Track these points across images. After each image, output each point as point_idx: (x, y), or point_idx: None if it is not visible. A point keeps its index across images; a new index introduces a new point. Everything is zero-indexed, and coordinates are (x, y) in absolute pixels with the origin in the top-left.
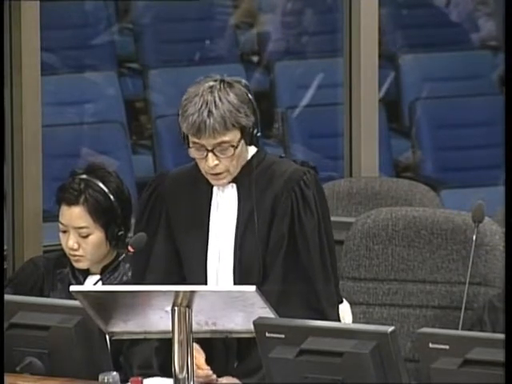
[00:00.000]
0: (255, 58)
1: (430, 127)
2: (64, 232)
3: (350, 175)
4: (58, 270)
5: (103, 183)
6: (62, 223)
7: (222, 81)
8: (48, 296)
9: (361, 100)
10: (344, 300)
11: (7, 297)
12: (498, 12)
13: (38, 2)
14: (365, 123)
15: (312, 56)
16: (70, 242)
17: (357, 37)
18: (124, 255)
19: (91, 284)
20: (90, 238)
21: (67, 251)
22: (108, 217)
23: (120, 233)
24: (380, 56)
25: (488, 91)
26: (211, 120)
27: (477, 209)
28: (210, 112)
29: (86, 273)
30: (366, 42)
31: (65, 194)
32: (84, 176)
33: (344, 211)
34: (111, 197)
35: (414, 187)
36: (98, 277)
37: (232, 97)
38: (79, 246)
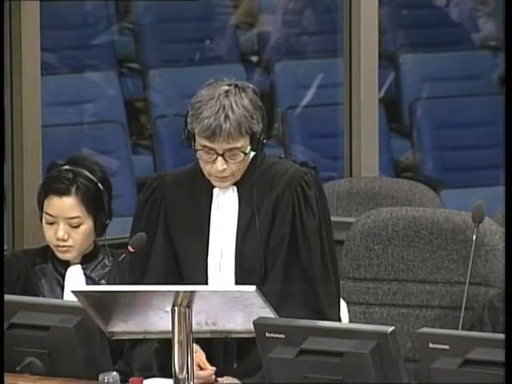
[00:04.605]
0: (255, 58)
1: (430, 127)
2: (51, 224)
3: (350, 175)
4: (38, 265)
5: (90, 172)
6: (50, 214)
7: (236, 85)
8: (37, 286)
9: (361, 100)
10: (340, 299)
11: (7, 297)
12: (498, 12)
13: (38, 2)
14: (365, 123)
15: (312, 56)
16: (59, 232)
17: (357, 37)
18: (124, 255)
19: (73, 274)
20: (81, 227)
21: (54, 243)
22: (98, 205)
23: (107, 221)
24: (380, 56)
25: (488, 91)
26: (227, 124)
27: (477, 209)
28: (226, 116)
29: (67, 264)
30: (366, 42)
31: (55, 185)
32: (70, 167)
33: (344, 211)
34: (100, 185)
35: (414, 187)
36: (78, 267)
37: (246, 102)
38: (69, 236)
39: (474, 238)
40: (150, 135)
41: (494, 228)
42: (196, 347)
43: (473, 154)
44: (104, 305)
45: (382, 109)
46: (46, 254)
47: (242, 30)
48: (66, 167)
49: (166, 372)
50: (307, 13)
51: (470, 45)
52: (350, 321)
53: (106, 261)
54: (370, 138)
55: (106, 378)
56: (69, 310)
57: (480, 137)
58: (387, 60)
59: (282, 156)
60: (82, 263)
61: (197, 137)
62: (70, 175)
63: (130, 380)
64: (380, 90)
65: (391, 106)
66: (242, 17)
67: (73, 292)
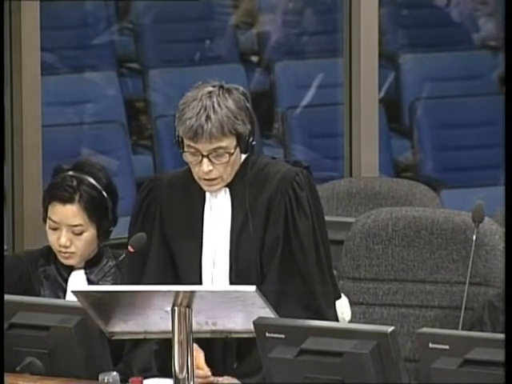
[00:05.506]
0: (255, 58)
1: (430, 127)
2: (54, 229)
3: (350, 175)
4: (41, 268)
5: (94, 179)
6: (53, 221)
7: (221, 87)
8: (38, 289)
9: (361, 100)
10: (342, 295)
11: (7, 297)
12: (498, 12)
13: (38, 2)
14: (365, 123)
15: (312, 56)
16: (62, 239)
17: (357, 37)
18: (124, 255)
19: (76, 279)
20: (84, 235)
21: (57, 248)
22: (101, 213)
23: (111, 228)
24: (380, 56)
25: (488, 91)
26: (209, 125)
27: (477, 209)
28: (207, 117)
29: (70, 268)
30: (366, 42)
31: (58, 192)
32: (75, 173)
33: (344, 211)
34: (104, 193)
35: (414, 187)
36: (81, 271)
37: (230, 103)
38: (71, 243)
39: (474, 238)
40: (150, 135)
41: (494, 228)
42: (194, 346)
43: (473, 154)
44: (104, 305)
45: (382, 109)
46: (49, 255)
47: (242, 30)
48: (71, 173)
49: (166, 373)
50: (307, 13)
51: (470, 45)
52: (350, 321)
53: (110, 264)
54: (370, 138)
55: (105, 378)
56: (69, 310)
57: (480, 137)
58: (387, 60)
59: (278, 156)
60: (85, 268)
61: (183, 139)
62: (74, 182)
63: (130, 380)
64: (380, 90)
65: (391, 106)
66: (241, 17)
67: (73, 292)
